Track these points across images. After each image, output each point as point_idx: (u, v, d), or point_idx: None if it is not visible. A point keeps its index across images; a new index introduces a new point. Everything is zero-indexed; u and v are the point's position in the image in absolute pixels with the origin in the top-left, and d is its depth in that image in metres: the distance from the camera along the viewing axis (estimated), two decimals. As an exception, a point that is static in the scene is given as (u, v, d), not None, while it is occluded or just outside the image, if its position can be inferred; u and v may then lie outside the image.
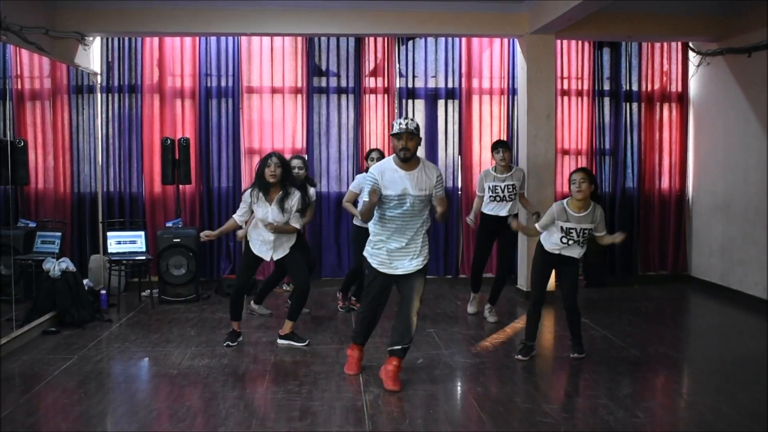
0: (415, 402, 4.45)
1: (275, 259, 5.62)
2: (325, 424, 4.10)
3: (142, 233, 7.51)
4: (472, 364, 5.24)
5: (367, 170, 6.80)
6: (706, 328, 6.81)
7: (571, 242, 5.13)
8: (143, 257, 7.29)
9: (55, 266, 6.33)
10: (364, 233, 5.01)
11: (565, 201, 5.16)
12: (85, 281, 6.89)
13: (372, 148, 7.43)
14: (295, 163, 6.33)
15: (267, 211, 5.48)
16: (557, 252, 5.21)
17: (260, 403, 4.45)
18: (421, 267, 4.70)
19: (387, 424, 4.11)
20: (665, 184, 8.62)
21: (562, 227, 5.12)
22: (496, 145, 6.50)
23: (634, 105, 8.55)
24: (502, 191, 6.41)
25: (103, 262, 7.57)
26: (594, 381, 4.88)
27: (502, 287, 6.67)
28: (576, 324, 5.37)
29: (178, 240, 7.34)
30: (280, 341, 5.77)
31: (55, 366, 5.16)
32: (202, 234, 5.68)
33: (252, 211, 5.57)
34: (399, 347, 4.71)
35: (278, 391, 4.69)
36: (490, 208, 6.51)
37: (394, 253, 4.66)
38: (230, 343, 5.69)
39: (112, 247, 7.34)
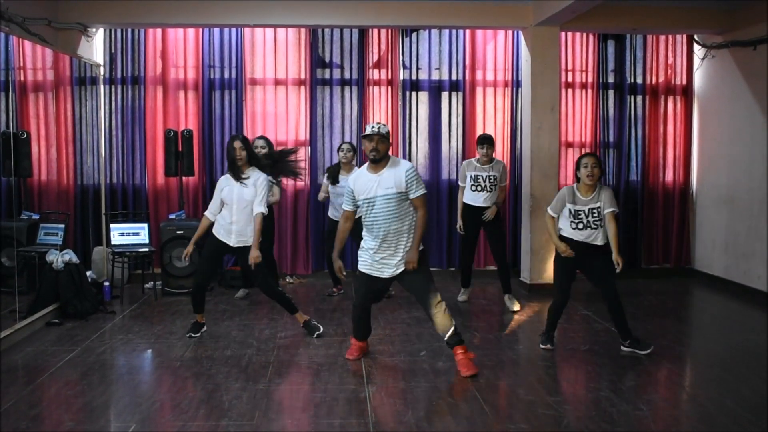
0: (417, 394, 4.45)
1: (233, 245, 5.59)
2: (328, 415, 4.10)
3: (145, 225, 7.51)
4: (475, 356, 5.23)
5: (338, 163, 7.06)
6: (710, 322, 6.80)
7: (581, 225, 5.13)
8: (146, 249, 7.29)
9: (58, 258, 6.34)
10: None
11: (574, 185, 5.23)
12: (88, 273, 6.91)
13: (344, 141, 7.73)
14: (258, 143, 6.73)
15: (232, 190, 5.54)
16: (580, 240, 5.15)
17: (263, 394, 4.45)
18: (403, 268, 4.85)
19: (390, 416, 4.11)
20: (669, 177, 8.59)
21: (570, 210, 5.16)
22: (482, 141, 6.62)
23: (639, 98, 8.52)
24: (484, 181, 6.60)
25: (106, 254, 7.57)
26: (597, 373, 4.88)
27: (509, 275, 6.78)
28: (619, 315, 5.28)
29: (181, 232, 7.33)
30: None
31: (58, 358, 5.17)
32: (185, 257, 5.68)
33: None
34: (447, 337, 4.85)
35: (281, 382, 4.70)
36: (469, 198, 6.67)
37: (379, 259, 4.82)
38: (193, 335, 5.73)
39: (115, 239, 7.35)
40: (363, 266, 4.90)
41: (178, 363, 5.09)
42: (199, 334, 5.77)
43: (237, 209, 5.54)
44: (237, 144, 5.54)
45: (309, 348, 5.45)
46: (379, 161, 4.74)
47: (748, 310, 6.93)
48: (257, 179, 5.57)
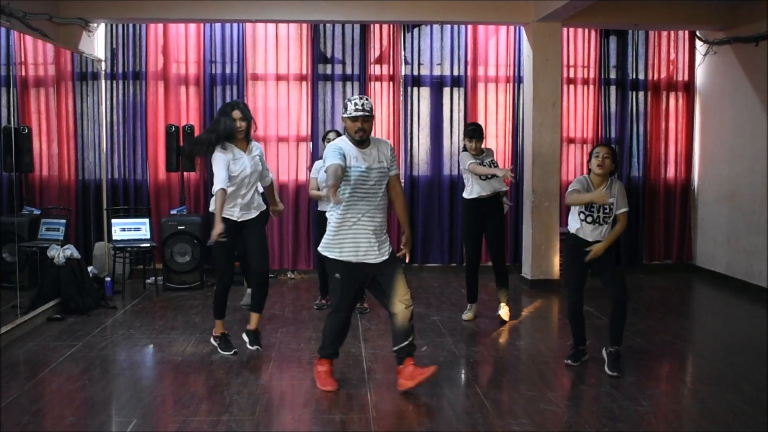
0: (419, 389, 4.44)
1: (242, 219, 4.93)
2: (329, 410, 4.11)
3: (147, 220, 7.52)
4: (476, 352, 5.25)
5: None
6: (711, 318, 6.80)
7: (590, 219, 4.76)
8: (148, 244, 7.30)
9: (59, 253, 6.34)
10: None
11: (588, 175, 4.83)
12: (89, 268, 6.91)
13: (329, 129, 7.30)
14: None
15: (245, 164, 4.88)
16: (591, 240, 4.79)
17: (264, 389, 4.46)
18: (389, 256, 4.36)
19: (391, 411, 4.12)
20: (671, 173, 8.58)
21: None
22: (471, 134, 6.01)
23: (641, 94, 8.51)
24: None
25: (107, 249, 7.58)
26: (598, 369, 4.87)
27: (506, 279, 6.24)
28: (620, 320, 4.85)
29: (183, 227, 7.34)
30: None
31: (59, 353, 5.18)
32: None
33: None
34: (406, 344, 4.35)
35: (282, 377, 4.70)
36: (475, 192, 5.99)
37: (361, 239, 4.27)
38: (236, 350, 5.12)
39: (117, 234, 7.35)
40: (344, 254, 4.26)
41: (179, 358, 5.09)
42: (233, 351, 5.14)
43: (248, 183, 4.92)
44: (236, 114, 4.88)
45: (310, 343, 5.45)
46: (364, 142, 4.29)
47: (749, 306, 6.92)
48: (260, 150, 5.07)
